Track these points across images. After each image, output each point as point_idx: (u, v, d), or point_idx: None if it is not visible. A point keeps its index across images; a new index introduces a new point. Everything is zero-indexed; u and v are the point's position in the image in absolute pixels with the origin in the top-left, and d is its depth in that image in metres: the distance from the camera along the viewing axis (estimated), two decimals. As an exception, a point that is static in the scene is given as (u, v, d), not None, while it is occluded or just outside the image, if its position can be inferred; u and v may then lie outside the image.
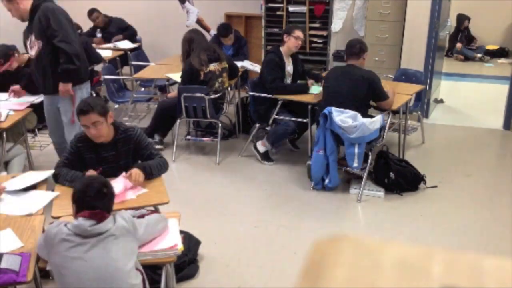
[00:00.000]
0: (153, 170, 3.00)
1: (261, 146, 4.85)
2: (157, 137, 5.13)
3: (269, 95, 4.70)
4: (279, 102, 4.68)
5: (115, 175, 2.90)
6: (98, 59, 5.96)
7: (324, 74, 5.00)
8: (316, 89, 4.73)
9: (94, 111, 2.87)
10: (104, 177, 2.73)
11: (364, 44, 4.33)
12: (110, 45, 6.51)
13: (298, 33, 4.72)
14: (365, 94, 4.15)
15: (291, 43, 4.71)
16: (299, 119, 4.70)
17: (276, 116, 4.74)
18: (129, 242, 2.28)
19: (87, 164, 3.02)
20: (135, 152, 3.10)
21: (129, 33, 6.79)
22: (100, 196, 2.24)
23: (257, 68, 5.69)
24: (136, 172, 2.89)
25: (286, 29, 4.84)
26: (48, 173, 3.02)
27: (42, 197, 2.87)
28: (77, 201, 2.25)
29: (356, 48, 4.23)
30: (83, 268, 2.15)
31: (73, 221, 2.22)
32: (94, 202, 2.22)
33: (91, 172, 2.89)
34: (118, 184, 2.78)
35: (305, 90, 4.70)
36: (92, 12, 6.76)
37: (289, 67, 4.85)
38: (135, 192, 2.85)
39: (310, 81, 4.79)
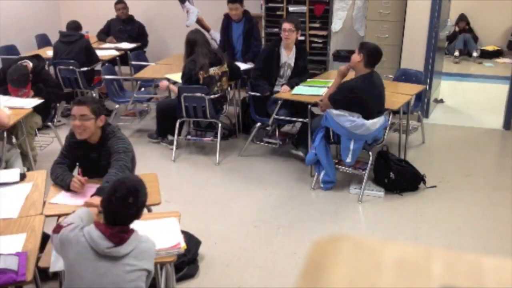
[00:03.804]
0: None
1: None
2: (170, 137, 5.14)
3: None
4: (279, 101, 4.68)
5: (97, 174, 2.95)
6: (98, 59, 6.01)
7: (329, 73, 5.01)
8: (319, 90, 4.67)
9: (87, 105, 2.94)
10: (87, 176, 2.82)
11: None
12: (112, 45, 6.50)
13: (284, 25, 4.78)
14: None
15: (282, 36, 4.82)
16: (300, 119, 4.70)
17: (276, 116, 4.74)
18: (148, 265, 2.19)
19: (76, 159, 3.10)
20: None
21: (141, 41, 6.79)
22: (124, 204, 2.12)
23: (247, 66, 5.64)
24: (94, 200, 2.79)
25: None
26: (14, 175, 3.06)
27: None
28: (104, 202, 2.17)
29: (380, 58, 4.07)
30: (94, 285, 2.09)
31: (91, 229, 2.13)
32: (116, 209, 2.13)
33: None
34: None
35: (264, 92, 4.77)
36: (119, 2, 6.76)
37: (289, 59, 4.87)
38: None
39: (284, 87, 4.74)
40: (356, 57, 3.98)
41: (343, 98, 3.98)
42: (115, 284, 2.10)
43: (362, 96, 3.91)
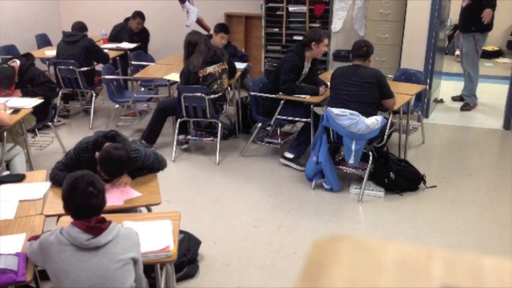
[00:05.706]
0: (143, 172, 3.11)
1: (289, 154, 4.78)
2: (180, 137, 5.11)
3: (272, 94, 4.71)
4: (282, 101, 4.68)
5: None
6: (106, 59, 5.96)
7: (329, 73, 4.94)
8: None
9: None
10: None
11: (371, 47, 4.29)
12: (113, 45, 6.49)
13: (327, 41, 4.74)
14: (374, 94, 4.15)
15: (319, 50, 4.69)
16: (303, 119, 4.69)
17: (278, 116, 4.74)
18: (132, 253, 2.18)
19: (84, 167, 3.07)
20: None
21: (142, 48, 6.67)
22: (87, 195, 2.13)
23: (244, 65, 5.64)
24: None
25: (315, 37, 4.65)
26: (44, 188, 3.02)
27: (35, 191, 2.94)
28: (66, 202, 2.17)
29: (362, 51, 4.23)
30: (80, 279, 2.08)
31: (68, 228, 2.12)
32: (82, 202, 2.13)
33: None
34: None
35: (315, 94, 4.64)
36: (136, 17, 6.53)
37: (306, 68, 4.82)
38: (124, 197, 2.88)
39: (322, 87, 4.68)
40: None
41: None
42: (102, 275, 2.09)
43: (332, 85, 4.32)
